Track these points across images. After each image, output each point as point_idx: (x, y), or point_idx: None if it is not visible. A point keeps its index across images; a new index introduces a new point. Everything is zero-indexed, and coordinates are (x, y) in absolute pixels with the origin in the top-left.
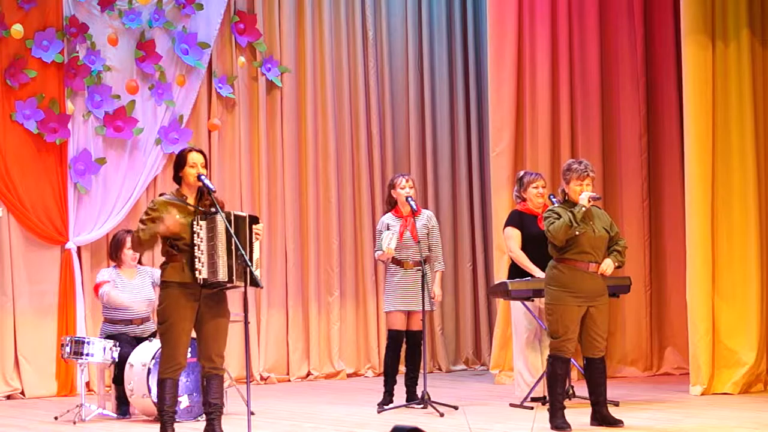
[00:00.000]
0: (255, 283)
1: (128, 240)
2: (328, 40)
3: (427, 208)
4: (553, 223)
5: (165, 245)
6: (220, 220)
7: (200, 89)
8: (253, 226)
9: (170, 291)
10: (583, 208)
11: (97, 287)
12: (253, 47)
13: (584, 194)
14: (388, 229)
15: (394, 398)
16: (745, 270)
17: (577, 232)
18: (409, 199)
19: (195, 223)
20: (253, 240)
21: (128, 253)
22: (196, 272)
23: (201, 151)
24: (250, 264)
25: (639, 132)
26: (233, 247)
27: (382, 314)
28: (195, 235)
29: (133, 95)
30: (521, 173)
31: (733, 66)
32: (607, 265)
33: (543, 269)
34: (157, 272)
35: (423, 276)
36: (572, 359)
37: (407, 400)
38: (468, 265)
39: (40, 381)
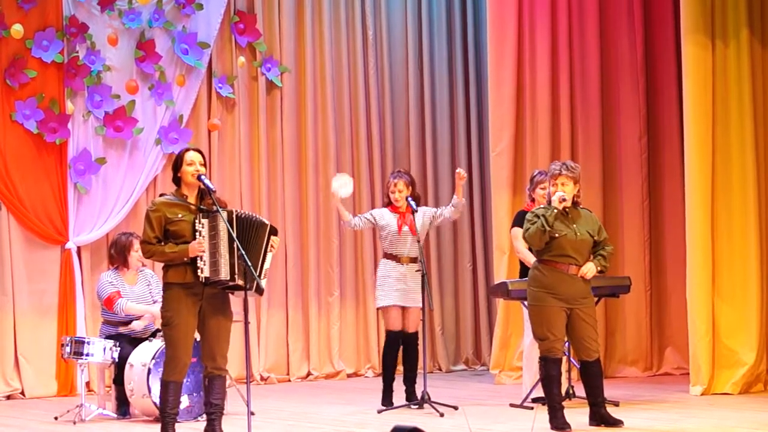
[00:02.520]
0: (259, 290)
1: (135, 243)
2: (328, 40)
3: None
4: (528, 229)
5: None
6: (222, 219)
7: (200, 89)
8: (272, 237)
9: (172, 292)
10: (555, 210)
11: (109, 302)
12: (253, 47)
13: (556, 195)
14: (384, 220)
15: (393, 398)
16: (745, 270)
17: (557, 235)
18: (409, 198)
19: (197, 221)
20: (268, 250)
21: (135, 255)
22: (198, 271)
23: (198, 150)
24: (254, 272)
25: (639, 132)
26: (235, 246)
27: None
28: (197, 234)
29: (133, 95)
30: (534, 172)
31: (733, 66)
32: (588, 269)
33: None
34: (150, 273)
35: (423, 276)
36: (572, 359)
37: (407, 400)
38: (468, 265)
39: (40, 381)
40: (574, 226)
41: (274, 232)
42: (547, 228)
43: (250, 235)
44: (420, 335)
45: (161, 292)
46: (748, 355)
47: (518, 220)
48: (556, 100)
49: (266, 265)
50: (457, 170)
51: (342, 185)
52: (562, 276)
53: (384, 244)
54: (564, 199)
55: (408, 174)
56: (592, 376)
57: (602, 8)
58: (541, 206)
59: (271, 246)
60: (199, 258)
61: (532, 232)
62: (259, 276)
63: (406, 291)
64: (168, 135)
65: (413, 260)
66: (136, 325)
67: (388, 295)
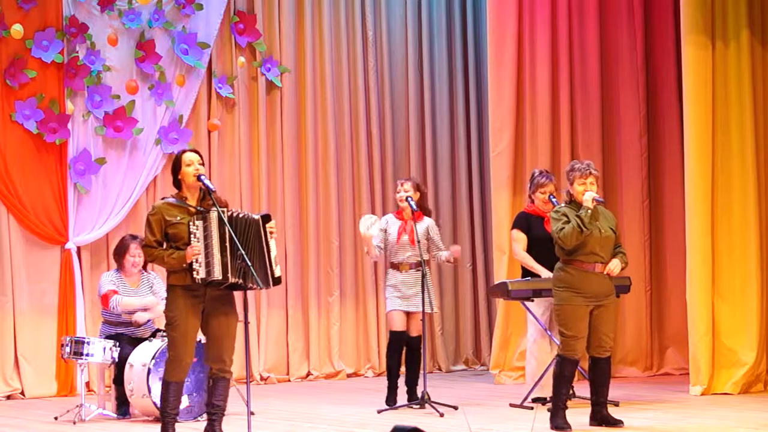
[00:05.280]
0: (276, 281)
1: (131, 246)
2: (328, 40)
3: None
4: (562, 228)
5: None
6: (214, 218)
7: (200, 89)
8: (267, 225)
9: (174, 295)
10: (589, 211)
11: (105, 299)
12: (253, 47)
13: (587, 194)
14: (388, 228)
15: (397, 398)
16: (745, 270)
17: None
18: (409, 198)
19: (191, 223)
20: (269, 238)
21: (130, 260)
22: (194, 273)
23: (195, 150)
24: (266, 263)
25: (639, 132)
26: (228, 244)
27: (382, 314)
28: (192, 236)
29: (133, 95)
30: (536, 172)
31: (733, 66)
32: (615, 265)
33: (550, 270)
34: (154, 275)
35: (423, 277)
36: None
37: (408, 400)
38: (468, 265)
39: (40, 381)
40: (597, 223)
41: (267, 219)
42: (584, 230)
43: (247, 234)
44: (420, 336)
45: (164, 294)
46: (748, 355)
47: (518, 222)
48: (556, 100)
49: (273, 253)
50: (455, 249)
51: (369, 226)
52: (588, 275)
53: (388, 253)
54: (597, 199)
55: (415, 180)
56: (601, 373)
57: (602, 8)
58: (563, 204)
59: (271, 232)
60: (194, 260)
61: (567, 232)
62: (272, 267)
63: (407, 297)
64: (168, 135)
65: (413, 267)
66: (139, 317)
67: (391, 302)
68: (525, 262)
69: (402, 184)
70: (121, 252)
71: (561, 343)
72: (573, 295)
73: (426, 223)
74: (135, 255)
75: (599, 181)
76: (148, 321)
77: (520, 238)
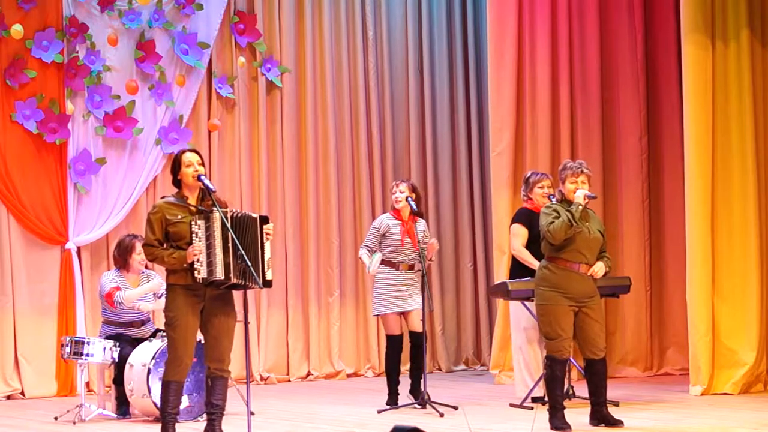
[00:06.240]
0: (267, 284)
1: (137, 245)
2: (328, 40)
3: (427, 207)
4: (552, 222)
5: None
6: (217, 219)
7: (200, 89)
8: (264, 227)
9: (175, 294)
10: (580, 206)
11: (109, 297)
12: (253, 47)
13: (579, 192)
14: (389, 229)
15: (398, 398)
16: (745, 270)
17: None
18: (409, 199)
19: (193, 223)
20: (265, 240)
21: (137, 258)
22: (195, 272)
23: (194, 150)
24: (253, 271)
25: (639, 132)
26: (230, 245)
27: None
28: (194, 236)
29: (133, 95)
30: (528, 173)
31: (733, 66)
32: (599, 268)
33: None
34: (154, 274)
35: (423, 276)
36: (572, 359)
37: (410, 392)
38: (468, 265)
39: (40, 381)
40: (587, 224)
41: (265, 221)
42: (574, 224)
43: (245, 232)
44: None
45: (164, 292)
46: (748, 355)
47: (520, 217)
48: (556, 100)
49: (267, 256)
50: (432, 241)
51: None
52: (571, 275)
53: (384, 251)
54: (588, 195)
55: (411, 182)
56: (598, 374)
57: (602, 8)
58: (554, 202)
59: (267, 235)
60: (195, 260)
61: (557, 226)
62: (264, 269)
63: (404, 296)
64: (168, 135)
65: (411, 267)
66: (143, 307)
67: (384, 303)
68: (522, 257)
69: (398, 185)
70: (127, 251)
71: (547, 344)
72: (557, 295)
73: (421, 225)
74: (141, 253)
75: (593, 181)
76: (149, 322)
77: (521, 233)
